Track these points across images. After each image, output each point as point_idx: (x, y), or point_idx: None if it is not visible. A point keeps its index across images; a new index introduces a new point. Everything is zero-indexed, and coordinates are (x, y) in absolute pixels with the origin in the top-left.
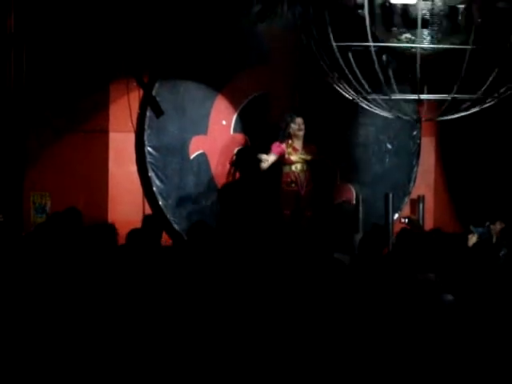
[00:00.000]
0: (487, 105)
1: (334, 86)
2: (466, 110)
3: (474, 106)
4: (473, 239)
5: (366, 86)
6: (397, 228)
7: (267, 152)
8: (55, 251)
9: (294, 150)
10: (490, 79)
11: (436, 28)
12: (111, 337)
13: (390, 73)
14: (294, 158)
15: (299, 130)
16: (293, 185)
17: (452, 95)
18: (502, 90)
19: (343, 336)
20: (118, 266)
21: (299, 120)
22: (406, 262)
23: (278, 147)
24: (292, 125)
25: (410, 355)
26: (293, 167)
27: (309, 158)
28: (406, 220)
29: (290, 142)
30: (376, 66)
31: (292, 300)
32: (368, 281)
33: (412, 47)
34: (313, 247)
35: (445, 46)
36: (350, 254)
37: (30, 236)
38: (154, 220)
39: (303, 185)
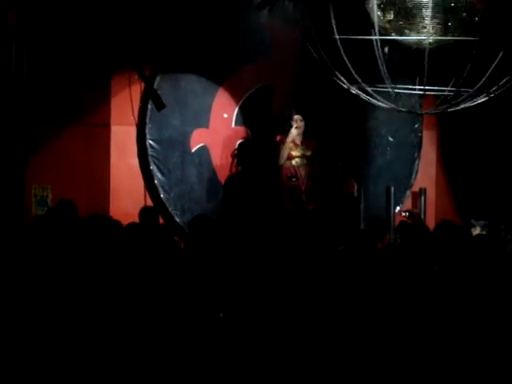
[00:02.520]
0: (484, 99)
1: (335, 78)
2: (470, 103)
3: (476, 99)
4: (476, 232)
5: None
6: (398, 221)
7: (274, 144)
8: (51, 244)
9: (295, 145)
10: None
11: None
12: (108, 331)
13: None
14: (294, 152)
15: (297, 127)
16: (293, 179)
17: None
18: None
19: (345, 328)
20: (117, 260)
21: (297, 117)
22: (405, 253)
23: (279, 140)
24: (291, 122)
25: (410, 347)
26: (293, 162)
27: (309, 153)
28: (407, 214)
29: None
30: (379, 58)
31: (295, 293)
32: (368, 272)
33: (419, 39)
34: (316, 240)
35: (454, 38)
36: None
37: (26, 230)
38: (151, 212)
39: (304, 179)
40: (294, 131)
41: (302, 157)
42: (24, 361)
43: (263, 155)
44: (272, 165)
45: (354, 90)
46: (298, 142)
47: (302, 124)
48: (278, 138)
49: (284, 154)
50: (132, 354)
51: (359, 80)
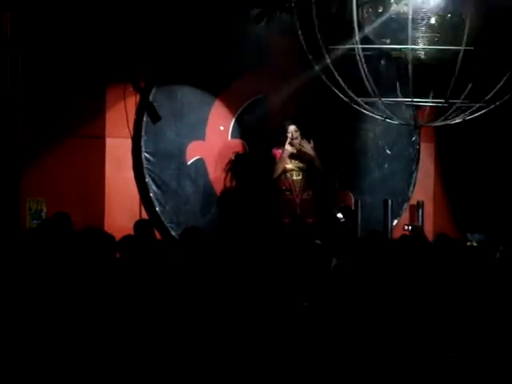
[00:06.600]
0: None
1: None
2: (468, 115)
3: (474, 112)
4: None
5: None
6: (398, 234)
7: (270, 158)
8: (45, 257)
9: (289, 158)
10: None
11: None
12: (103, 343)
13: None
14: (288, 166)
15: (292, 138)
16: (287, 193)
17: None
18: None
19: (342, 342)
20: (111, 273)
21: (292, 128)
22: (404, 267)
23: (279, 153)
24: (286, 134)
25: (407, 357)
26: (287, 175)
27: (304, 166)
28: (410, 227)
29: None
30: (361, 67)
31: (291, 306)
32: (366, 285)
33: (402, 48)
34: (313, 254)
35: (437, 48)
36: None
37: (20, 242)
38: (146, 225)
39: (298, 193)
40: (288, 147)
41: (296, 170)
42: (14, 372)
43: (259, 168)
44: (268, 178)
45: (346, 100)
46: (295, 150)
47: (297, 134)
48: (278, 153)
49: (278, 168)
50: (125, 368)
51: (353, 95)
